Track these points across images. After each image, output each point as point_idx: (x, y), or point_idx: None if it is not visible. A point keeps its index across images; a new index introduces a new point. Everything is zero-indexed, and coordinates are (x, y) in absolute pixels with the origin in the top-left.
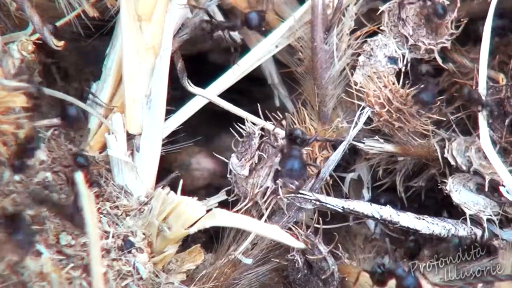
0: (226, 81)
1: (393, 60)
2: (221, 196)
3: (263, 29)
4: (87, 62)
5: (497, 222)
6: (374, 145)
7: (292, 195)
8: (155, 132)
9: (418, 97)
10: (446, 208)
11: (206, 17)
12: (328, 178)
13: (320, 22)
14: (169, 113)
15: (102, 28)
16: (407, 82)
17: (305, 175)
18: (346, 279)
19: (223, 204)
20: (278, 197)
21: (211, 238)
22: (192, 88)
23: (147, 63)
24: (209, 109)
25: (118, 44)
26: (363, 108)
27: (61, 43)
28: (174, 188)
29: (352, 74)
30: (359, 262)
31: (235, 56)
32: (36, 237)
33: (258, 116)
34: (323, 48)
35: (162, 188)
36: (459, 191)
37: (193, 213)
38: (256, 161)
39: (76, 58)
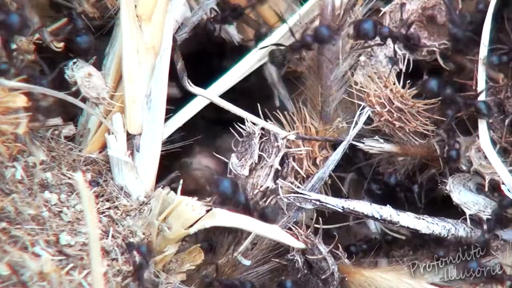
0: (226, 81)
1: (393, 60)
2: None
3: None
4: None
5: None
6: (374, 145)
7: (292, 195)
8: (155, 132)
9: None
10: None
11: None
12: (327, 178)
13: (329, 23)
14: (169, 113)
15: (102, 28)
16: (407, 82)
17: None
18: (346, 279)
19: None
20: (278, 197)
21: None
22: (192, 88)
23: (147, 63)
24: (210, 109)
25: (117, 44)
26: (363, 108)
27: (61, 43)
28: (174, 188)
29: (352, 74)
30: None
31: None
32: None
33: (258, 116)
34: (329, 49)
35: (162, 188)
36: (459, 191)
37: (193, 213)
38: (256, 161)
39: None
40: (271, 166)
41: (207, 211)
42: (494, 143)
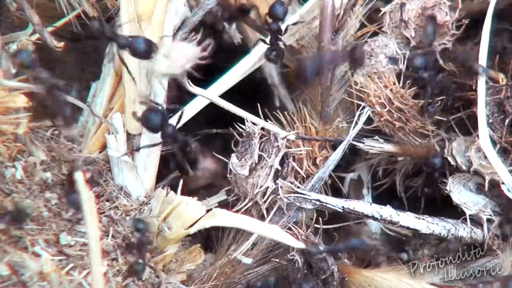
0: (227, 81)
1: (393, 60)
2: (221, 196)
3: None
4: (87, 62)
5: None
6: (374, 145)
7: (292, 195)
8: None
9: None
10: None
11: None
12: (327, 178)
13: (329, 23)
14: (169, 113)
15: None
16: (407, 82)
17: None
18: (346, 279)
19: (223, 204)
20: (278, 197)
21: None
22: (192, 88)
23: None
24: (210, 109)
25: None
26: (363, 108)
27: (61, 43)
28: (174, 188)
29: (352, 74)
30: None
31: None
32: None
33: (258, 116)
34: (330, 49)
35: (162, 188)
36: (459, 191)
37: (193, 213)
38: (256, 161)
39: (76, 58)
40: (271, 166)
41: (207, 211)
42: (494, 143)
